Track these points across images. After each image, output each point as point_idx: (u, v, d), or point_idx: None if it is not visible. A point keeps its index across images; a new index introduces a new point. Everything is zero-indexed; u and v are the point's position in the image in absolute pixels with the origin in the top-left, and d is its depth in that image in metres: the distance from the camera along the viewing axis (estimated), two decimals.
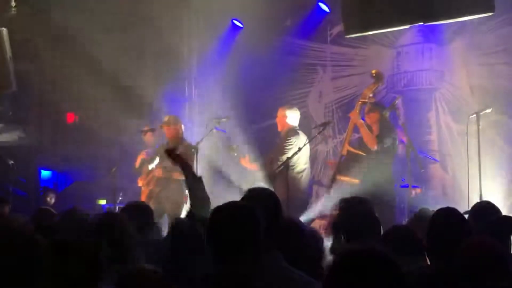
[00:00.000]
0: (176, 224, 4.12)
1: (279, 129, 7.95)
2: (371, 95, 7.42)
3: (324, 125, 7.82)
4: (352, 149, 7.45)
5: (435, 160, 8.53)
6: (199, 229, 3.87)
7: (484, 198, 6.60)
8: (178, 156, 4.62)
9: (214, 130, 8.21)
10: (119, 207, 8.29)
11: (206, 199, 4.30)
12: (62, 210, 5.40)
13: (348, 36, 8.75)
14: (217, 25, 10.15)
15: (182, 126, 8.43)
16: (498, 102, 7.92)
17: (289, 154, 7.45)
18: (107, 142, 10.13)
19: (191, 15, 10.64)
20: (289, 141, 7.67)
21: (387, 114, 7.37)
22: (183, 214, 7.15)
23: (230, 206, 2.85)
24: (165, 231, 4.82)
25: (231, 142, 8.73)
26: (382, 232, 3.91)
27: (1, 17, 8.49)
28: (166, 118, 8.46)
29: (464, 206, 5.97)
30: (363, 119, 7.40)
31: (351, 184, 7.16)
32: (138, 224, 4.32)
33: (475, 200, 6.55)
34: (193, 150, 7.93)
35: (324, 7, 9.45)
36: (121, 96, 9.68)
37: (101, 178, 9.56)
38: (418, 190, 7.91)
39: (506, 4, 7.83)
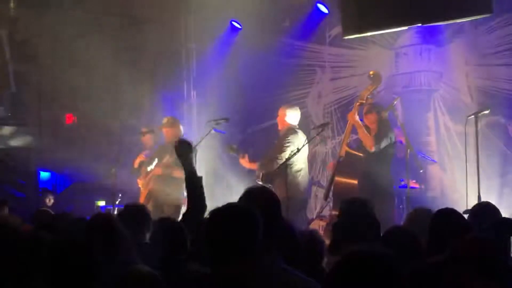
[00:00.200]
0: (160, 224, 4.15)
1: (279, 127, 7.93)
2: (369, 96, 7.40)
3: (323, 126, 7.83)
4: (350, 150, 7.46)
5: (433, 160, 8.55)
6: (185, 231, 3.91)
7: (482, 199, 6.62)
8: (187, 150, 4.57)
9: (213, 132, 8.21)
10: (118, 209, 8.28)
11: (203, 207, 4.32)
12: (59, 212, 5.40)
13: (346, 38, 8.79)
14: (215, 26, 10.15)
15: (181, 127, 8.44)
16: (496, 103, 7.95)
17: (288, 152, 7.45)
18: (106, 143, 10.13)
19: (189, 16, 10.64)
20: (288, 139, 7.65)
21: (385, 115, 7.37)
22: (180, 217, 7.16)
23: (228, 207, 2.85)
24: None
25: (230, 142, 8.74)
26: (381, 233, 3.92)
27: (1, 18, 8.50)
28: (165, 120, 8.47)
29: (462, 206, 5.97)
30: (361, 120, 7.40)
31: (349, 185, 7.17)
32: (135, 226, 4.34)
33: (473, 200, 6.57)
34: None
35: (323, 8, 9.44)
36: (120, 97, 9.69)
37: (100, 179, 9.55)
38: (416, 184, 7.90)
39: (504, 5, 7.85)
